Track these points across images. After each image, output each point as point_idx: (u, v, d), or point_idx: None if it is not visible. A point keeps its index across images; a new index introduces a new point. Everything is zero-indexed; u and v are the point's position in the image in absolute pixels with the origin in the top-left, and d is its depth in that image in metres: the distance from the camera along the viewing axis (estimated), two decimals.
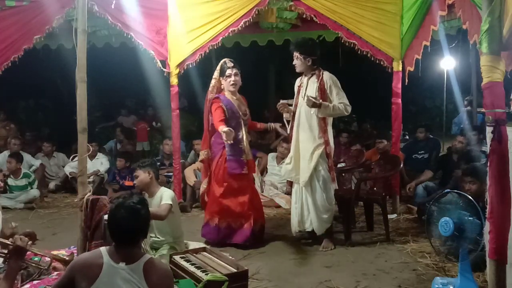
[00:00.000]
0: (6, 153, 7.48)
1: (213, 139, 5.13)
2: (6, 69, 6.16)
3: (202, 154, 5.23)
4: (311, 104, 4.70)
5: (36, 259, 3.76)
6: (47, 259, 3.67)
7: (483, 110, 4.20)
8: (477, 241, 3.43)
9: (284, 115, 5.08)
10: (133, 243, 2.55)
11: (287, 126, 5.14)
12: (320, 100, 4.71)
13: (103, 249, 2.54)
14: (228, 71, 5.04)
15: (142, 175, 4.50)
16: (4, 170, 7.11)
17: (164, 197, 4.40)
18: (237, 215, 5.02)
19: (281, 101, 5.05)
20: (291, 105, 5.05)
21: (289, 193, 5.44)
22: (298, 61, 4.91)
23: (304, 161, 4.87)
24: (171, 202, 4.35)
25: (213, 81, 5.12)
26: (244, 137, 5.09)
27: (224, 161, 5.02)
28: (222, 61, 5.10)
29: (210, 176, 5.19)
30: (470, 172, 4.61)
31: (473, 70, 9.50)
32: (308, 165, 4.82)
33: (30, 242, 2.90)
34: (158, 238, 4.53)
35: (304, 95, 4.93)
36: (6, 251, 2.91)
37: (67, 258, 3.69)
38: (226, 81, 5.06)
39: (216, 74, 5.10)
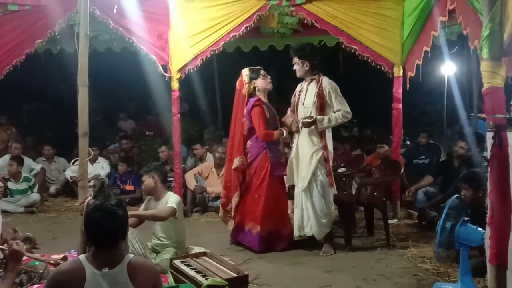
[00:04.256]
0: (7, 156, 7.49)
1: (250, 143, 5.05)
2: (8, 73, 6.16)
3: (237, 161, 5.02)
4: (306, 125, 4.74)
5: (37, 263, 3.76)
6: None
7: (483, 115, 4.21)
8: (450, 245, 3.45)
9: (292, 127, 5.07)
10: (112, 246, 2.48)
11: (291, 137, 5.18)
12: (314, 116, 4.75)
13: (82, 258, 2.46)
14: (262, 72, 5.08)
15: (147, 180, 4.55)
16: (4, 173, 7.11)
17: (169, 201, 4.44)
18: (277, 220, 5.01)
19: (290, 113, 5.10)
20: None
21: (291, 198, 5.44)
22: (297, 66, 4.97)
23: (303, 166, 4.88)
24: (175, 206, 4.38)
25: (246, 86, 5.07)
26: (281, 139, 5.11)
27: (266, 163, 4.95)
28: (244, 70, 5.12)
29: (242, 185, 5.07)
30: (464, 179, 4.65)
31: (474, 76, 9.51)
32: (307, 170, 4.83)
33: (25, 247, 2.89)
34: (161, 241, 4.54)
35: (304, 100, 4.97)
36: (2, 256, 2.90)
37: (60, 262, 3.69)
38: (264, 81, 5.07)
39: (246, 79, 5.07)
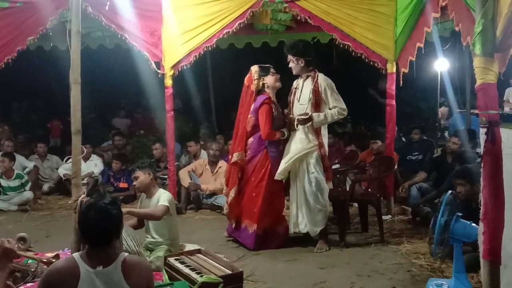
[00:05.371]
0: None
1: (252, 140, 5.03)
2: None
3: (236, 156, 5.05)
4: (302, 122, 4.73)
5: (30, 261, 3.75)
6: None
7: (476, 111, 4.23)
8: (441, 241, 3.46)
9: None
10: (106, 244, 2.48)
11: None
12: (310, 113, 4.74)
13: (76, 256, 2.46)
14: (272, 70, 5.05)
15: (143, 176, 4.48)
16: None
17: (161, 198, 4.40)
18: (273, 220, 5.01)
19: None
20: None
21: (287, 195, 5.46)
22: (292, 63, 4.96)
23: (289, 155, 4.88)
24: (167, 204, 4.35)
25: (255, 82, 5.02)
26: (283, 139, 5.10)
27: (266, 162, 4.95)
28: (254, 66, 5.07)
29: (240, 181, 5.06)
30: (460, 175, 4.66)
31: (467, 72, 9.53)
32: (287, 159, 4.84)
33: (16, 245, 2.88)
34: (154, 239, 4.52)
35: (299, 97, 4.96)
36: None
37: (53, 260, 3.68)
38: (274, 78, 5.03)
39: (256, 75, 5.03)
